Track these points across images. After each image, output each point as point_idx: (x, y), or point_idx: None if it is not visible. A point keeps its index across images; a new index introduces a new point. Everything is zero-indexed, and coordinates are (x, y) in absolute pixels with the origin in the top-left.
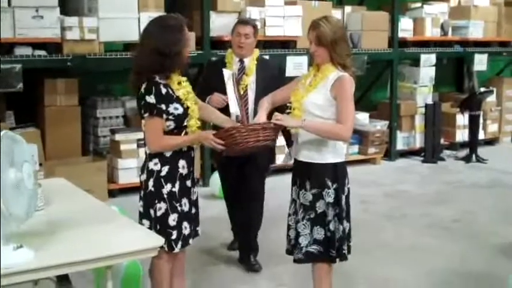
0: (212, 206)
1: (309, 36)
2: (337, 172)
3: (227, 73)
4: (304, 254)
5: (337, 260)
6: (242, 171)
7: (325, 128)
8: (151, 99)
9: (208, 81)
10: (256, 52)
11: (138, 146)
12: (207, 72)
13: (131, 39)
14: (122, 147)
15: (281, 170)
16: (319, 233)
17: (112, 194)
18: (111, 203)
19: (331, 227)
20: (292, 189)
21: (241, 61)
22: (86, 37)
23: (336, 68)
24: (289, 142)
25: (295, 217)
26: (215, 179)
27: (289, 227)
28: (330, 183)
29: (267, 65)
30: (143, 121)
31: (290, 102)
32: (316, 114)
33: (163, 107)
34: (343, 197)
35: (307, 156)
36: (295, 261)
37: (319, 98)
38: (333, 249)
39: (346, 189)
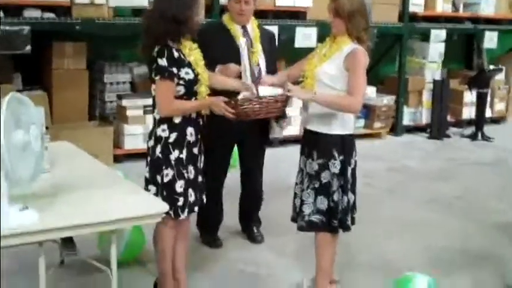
0: None
1: (328, 7)
2: (345, 144)
3: (243, 42)
4: (307, 222)
5: (340, 230)
6: (242, 146)
7: (335, 101)
8: (163, 62)
9: (206, 50)
10: (254, 19)
11: (145, 112)
12: (204, 41)
13: (140, 4)
14: (128, 113)
15: (287, 141)
16: (323, 203)
17: (117, 159)
18: (116, 168)
19: (335, 197)
20: (300, 158)
21: (244, 28)
22: (95, 1)
23: (352, 40)
24: (284, 115)
25: (301, 186)
26: None
27: (295, 195)
28: (336, 154)
29: (266, 33)
30: (153, 85)
31: (303, 71)
32: (328, 84)
33: (174, 70)
34: (349, 169)
35: (316, 126)
36: (298, 228)
37: (332, 68)
38: (335, 219)
39: (352, 161)
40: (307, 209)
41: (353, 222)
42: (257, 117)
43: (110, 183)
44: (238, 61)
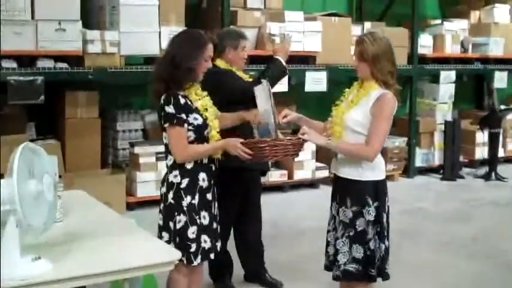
0: None
1: (354, 51)
2: (378, 190)
3: (263, 84)
4: (343, 271)
5: (380, 279)
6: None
7: (349, 149)
8: (170, 109)
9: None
10: None
11: (157, 159)
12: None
13: (152, 53)
14: (141, 160)
15: (299, 185)
16: (359, 252)
17: (130, 207)
18: (129, 216)
19: (371, 245)
20: (331, 205)
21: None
22: (107, 50)
23: (379, 85)
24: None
25: (334, 233)
26: None
27: (328, 243)
28: (370, 201)
29: None
30: (164, 133)
31: (331, 117)
32: (357, 131)
33: (183, 116)
34: (384, 215)
35: (347, 172)
36: (333, 278)
37: (359, 114)
38: (372, 268)
39: (386, 206)
40: (342, 258)
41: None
42: (273, 159)
43: (123, 231)
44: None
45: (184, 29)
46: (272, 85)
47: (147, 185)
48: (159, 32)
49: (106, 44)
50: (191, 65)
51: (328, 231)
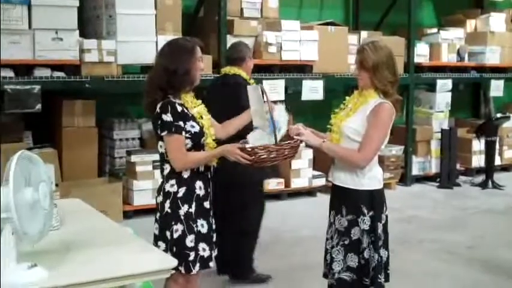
0: None
1: (355, 60)
2: (374, 199)
3: (256, 86)
4: (337, 280)
5: None
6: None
7: (341, 153)
8: (168, 117)
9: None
10: None
11: (154, 167)
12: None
13: (148, 62)
14: (138, 168)
15: (296, 193)
16: (353, 260)
17: (127, 215)
18: (125, 224)
19: (366, 254)
20: (330, 213)
21: None
22: (104, 59)
23: (378, 94)
24: None
25: (331, 242)
26: None
27: (326, 251)
28: (365, 211)
29: None
30: (160, 142)
31: (330, 124)
32: (354, 139)
33: (181, 124)
34: (380, 225)
35: (343, 181)
36: (328, 286)
37: (357, 122)
38: (366, 277)
39: (383, 216)
40: (337, 267)
41: (387, 279)
42: (273, 163)
43: (119, 239)
44: None
45: (169, 40)
46: None
47: (144, 193)
48: (156, 41)
49: (103, 53)
50: (186, 67)
51: (327, 239)
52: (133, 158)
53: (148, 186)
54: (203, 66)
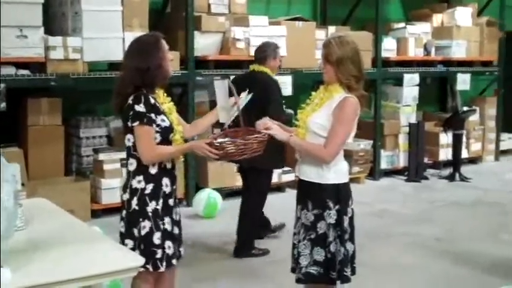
0: (196, 226)
1: (321, 53)
2: (340, 193)
3: (224, 80)
4: (304, 274)
5: (339, 282)
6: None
7: (307, 148)
8: (141, 108)
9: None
10: None
11: (122, 165)
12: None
13: (115, 58)
14: (105, 166)
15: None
16: (320, 254)
17: (95, 214)
18: (93, 223)
19: (332, 248)
20: (296, 208)
21: None
22: (70, 57)
23: (343, 89)
24: None
25: (298, 236)
26: (199, 198)
27: (293, 246)
28: (331, 205)
29: None
30: (128, 135)
31: (297, 120)
32: (320, 134)
33: (153, 116)
34: (346, 219)
35: (308, 175)
36: (296, 281)
37: (322, 117)
38: (333, 271)
39: (349, 210)
40: (304, 261)
41: (353, 273)
42: (241, 157)
43: (86, 238)
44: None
45: (133, 39)
46: None
47: (112, 191)
48: (123, 38)
49: (69, 50)
50: (158, 63)
51: (294, 234)
52: (101, 156)
53: (117, 184)
54: (172, 57)
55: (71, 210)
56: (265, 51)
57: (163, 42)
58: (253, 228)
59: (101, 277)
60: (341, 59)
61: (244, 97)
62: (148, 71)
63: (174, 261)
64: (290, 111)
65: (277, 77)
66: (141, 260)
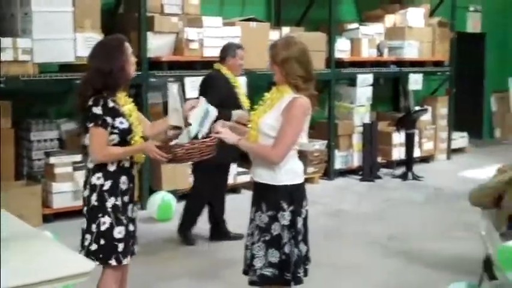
0: (151, 228)
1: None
2: (293, 194)
3: (176, 88)
4: (259, 276)
5: (292, 283)
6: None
7: (256, 149)
8: (98, 110)
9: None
10: None
11: (74, 169)
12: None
13: (67, 60)
14: (57, 170)
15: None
16: (274, 256)
17: (46, 219)
18: (45, 228)
19: (286, 249)
20: (251, 209)
21: (235, 80)
22: (19, 58)
23: (292, 89)
24: None
25: (251, 238)
26: (153, 201)
27: (246, 247)
28: (285, 206)
29: None
30: (87, 135)
31: (250, 121)
32: (270, 135)
33: (108, 119)
34: (300, 220)
35: (262, 177)
36: (249, 283)
37: (272, 118)
38: (287, 272)
39: (303, 211)
40: (258, 263)
41: (306, 274)
42: (190, 160)
43: (36, 244)
44: (239, 105)
45: (98, 42)
46: None
47: (64, 195)
48: (74, 39)
49: (18, 52)
50: (120, 65)
51: (248, 235)
52: (52, 160)
53: (68, 188)
54: (135, 60)
55: (21, 215)
56: (225, 51)
57: (127, 45)
58: (194, 213)
59: (51, 283)
60: (286, 59)
61: (201, 106)
62: (111, 74)
63: (128, 258)
64: (242, 111)
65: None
66: (92, 265)
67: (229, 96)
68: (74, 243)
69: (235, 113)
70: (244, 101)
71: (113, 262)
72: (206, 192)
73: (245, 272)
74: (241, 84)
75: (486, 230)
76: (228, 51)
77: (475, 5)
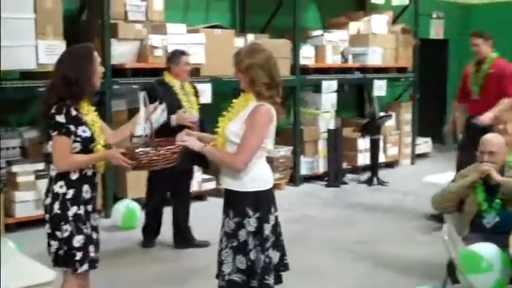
0: (116, 236)
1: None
2: (259, 201)
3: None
4: (227, 281)
5: None
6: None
7: (219, 156)
8: (61, 118)
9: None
10: None
11: (37, 177)
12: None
13: (28, 67)
14: (19, 179)
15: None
16: (242, 262)
17: (9, 228)
18: (7, 238)
19: (252, 256)
20: (222, 215)
21: (182, 86)
22: None
23: (256, 97)
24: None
25: (221, 244)
26: (118, 209)
27: (219, 252)
28: (251, 212)
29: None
30: (50, 142)
31: (218, 128)
32: (236, 142)
33: (71, 127)
34: (268, 226)
35: (229, 183)
36: None
37: (237, 125)
38: (253, 279)
39: (271, 217)
40: (227, 268)
41: (279, 281)
42: (155, 168)
43: None
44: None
45: (66, 49)
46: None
47: (27, 205)
48: (36, 46)
49: None
50: (88, 75)
51: (220, 240)
52: (14, 168)
53: (31, 197)
54: (103, 69)
55: None
56: (170, 60)
57: (96, 54)
58: (151, 217)
59: None
60: (250, 66)
61: (160, 111)
62: (78, 83)
63: (96, 265)
64: (180, 113)
65: (198, 85)
66: (53, 274)
67: (171, 104)
68: (37, 253)
69: (173, 118)
70: (191, 106)
71: (69, 270)
72: (155, 200)
73: (218, 276)
74: (189, 90)
75: (449, 234)
76: (172, 58)
77: (438, 12)
